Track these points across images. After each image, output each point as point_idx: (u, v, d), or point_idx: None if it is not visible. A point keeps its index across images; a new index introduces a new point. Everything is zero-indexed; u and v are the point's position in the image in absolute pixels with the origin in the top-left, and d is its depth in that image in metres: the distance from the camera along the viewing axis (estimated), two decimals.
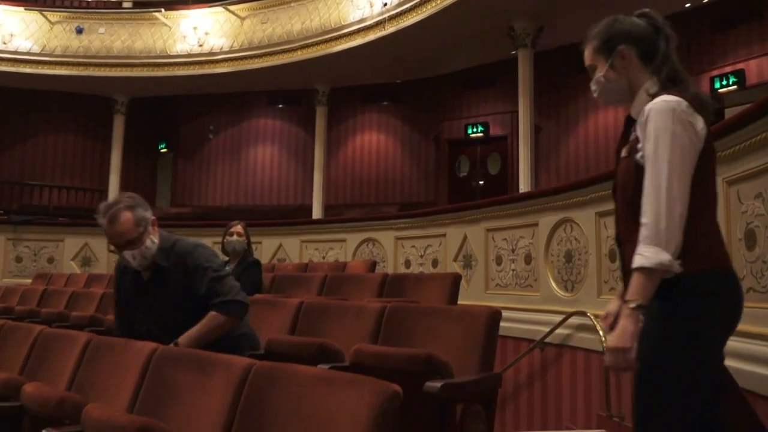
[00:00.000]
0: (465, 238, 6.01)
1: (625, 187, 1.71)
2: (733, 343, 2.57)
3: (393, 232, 7.00)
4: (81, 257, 8.81)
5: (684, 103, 1.61)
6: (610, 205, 4.19)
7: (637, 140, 1.67)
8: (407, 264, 6.63)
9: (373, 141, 13.48)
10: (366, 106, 13.33)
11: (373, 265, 5.43)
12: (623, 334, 1.55)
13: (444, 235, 6.35)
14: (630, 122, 1.76)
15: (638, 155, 1.65)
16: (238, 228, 4.33)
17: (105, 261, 8.73)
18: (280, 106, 13.65)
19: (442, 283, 3.31)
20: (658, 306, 1.59)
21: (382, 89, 12.98)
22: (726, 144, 2.96)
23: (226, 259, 4.45)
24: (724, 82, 8.98)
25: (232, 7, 10.33)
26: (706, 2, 9.12)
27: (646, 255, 1.56)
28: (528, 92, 8.75)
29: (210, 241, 8.46)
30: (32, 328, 2.67)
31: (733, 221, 2.86)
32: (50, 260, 8.83)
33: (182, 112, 13.83)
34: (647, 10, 1.81)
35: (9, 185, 12.25)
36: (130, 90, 11.27)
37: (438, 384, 1.90)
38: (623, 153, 1.74)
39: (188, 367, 1.97)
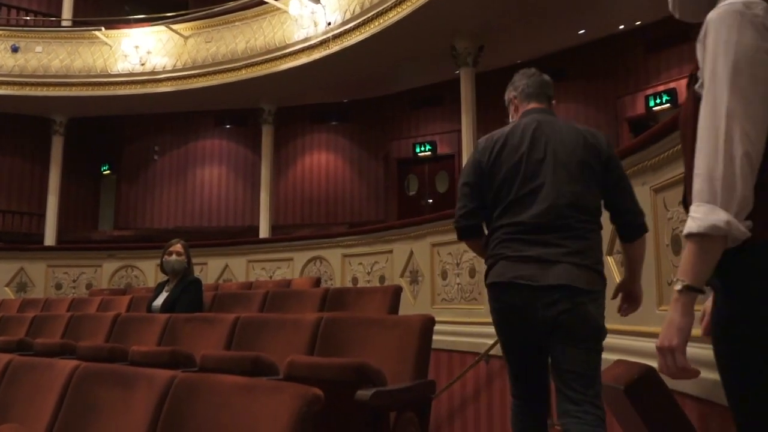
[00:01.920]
0: (411, 253, 6.03)
1: (684, 123, 1.35)
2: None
3: (340, 249, 6.97)
4: (16, 283, 8.45)
5: (760, 4, 1.19)
6: None
7: (696, 66, 1.28)
8: (354, 281, 6.60)
9: (322, 161, 13.46)
10: (314, 125, 13.32)
11: (318, 282, 5.38)
12: (669, 329, 1.22)
13: (391, 252, 6.35)
14: None
15: (697, 84, 1.27)
16: (178, 247, 4.23)
17: (42, 286, 8.41)
18: (228, 126, 13.52)
19: (382, 296, 3.30)
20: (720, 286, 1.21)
21: (329, 108, 13.00)
22: (651, 153, 3.18)
23: (165, 279, 4.35)
24: (658, 101, 9.47)
25: (175, 26, 10.22)
26: (639, 25, 9.51)
27: (696, 216, 1.18)
28: (471, 110, 8.92)
29: (152, 264, 8.27)
30: None
31: (660, 229, 2.97)
32: None
33: (125, 132, 13.54)
34: None
35: None
36: (69, 110, 10.97)
37: (369, 392, 1.89)
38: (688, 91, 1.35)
39: (110, 383, 1.90)
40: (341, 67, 9.59)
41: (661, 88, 9.50)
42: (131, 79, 10.02)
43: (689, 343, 1.23)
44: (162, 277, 4.57)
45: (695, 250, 1.18)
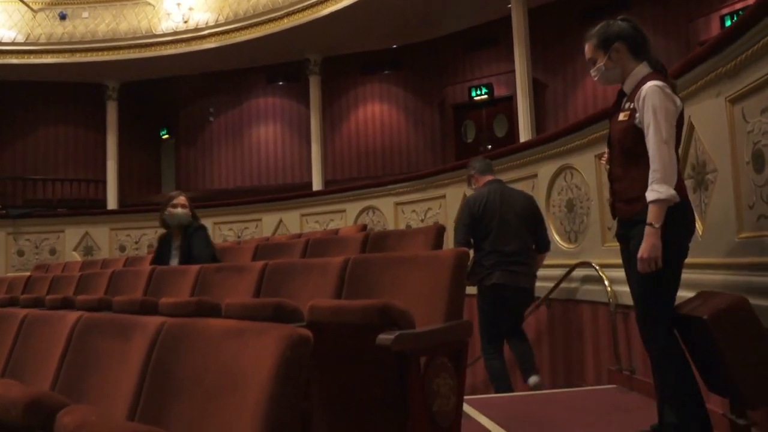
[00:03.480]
0: (464, 197, 5.73)
1: (623, 140, 2.35)
2: (747, 278, 2.32)
3: (392, 197, 6.75)
4: (83, 247, 8.69)
5: (667, 87, 2.28)
6: None
7: (635, 110, 2.29)
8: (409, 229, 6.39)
9: (376, 112, 13.16)
10: (366, 76, 12.99)
11: (364, 228, 5.18)
12: (653, 248, 2.20)
13: (444, 197, 6.08)
14: (622, 95, 2.44)
15: (636, 121, 2.28)
16: (182, 199, 4.05)
17: (107, 248, 8.62)
18: (280, 83, 13.37)
19: (425, 237, 3.06)
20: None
21: (380, 57, 12.61)
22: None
23: (163, 234, 4.22)
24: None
25: None
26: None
27: (660, 191, 2.19)
28: (524, 43, 8.38)
29: (209, 222, 8.30)
30: None
31: (738, 144, 2.56)
32: (52, 252, 8.73)
33: (180, 95, 13.62)
34: (627, 16, 2.50)
35: (12, 181, 12.19)
36: (119, 74, 11.06)
37: (392, 336, 1.65)
38: (621, 117, 2.37)
39: (110, 333, 1.75)
40: (386, 6, 9.15)
41: (739, 5, 8.63)
42: (176, 38, 9.94)
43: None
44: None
45: (658, 208, 2.20)
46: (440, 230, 3.13)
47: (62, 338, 1.89)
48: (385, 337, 1.67)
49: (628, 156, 2.32)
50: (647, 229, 2.19)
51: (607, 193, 4.00)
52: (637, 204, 2.28)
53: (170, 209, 4.03)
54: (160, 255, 4.07)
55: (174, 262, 3.92)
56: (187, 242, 3.87)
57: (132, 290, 3.48)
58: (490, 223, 3.88)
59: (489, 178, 4.15)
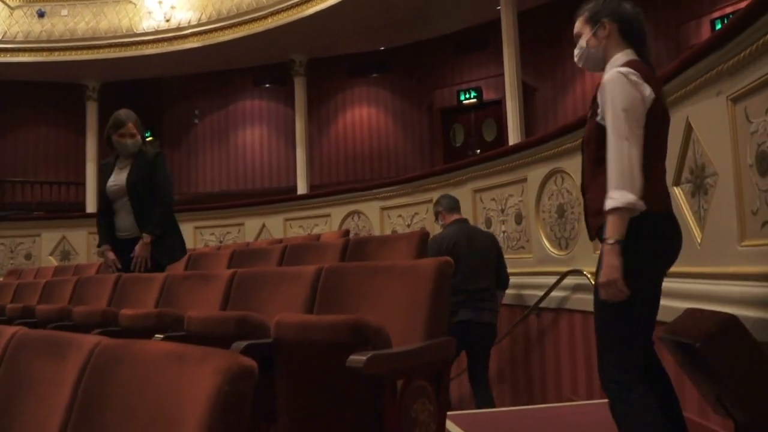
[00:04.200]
0: None
1: (588, 143, 2.02)
2: (750, 289, 2.17)
3: (378, 202, 6.56)
4: (59, 251, 8.42)
5: (633, 73, 1.89)
6: None
7: (597, 105, 1.96)
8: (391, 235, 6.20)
9: (364, 115, 12.98)
10: (353, 79, 12.82)
11: (346, 234, 4.99)
12: (610, 269, 1.80)
13: (431, 201, 5.89)
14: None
15: (599, 118, 1.94)
16: (130, 128, 3.68)
17: (84, 253, 8.36)
18: (267, 85, 13.16)
19: (407, 243, 2.87)
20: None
21: (367, 59, 12.44)
22: (726, 55, 2.58)
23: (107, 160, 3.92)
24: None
25: None
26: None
27: (615, 197, 1.80)
28: (513, 46, 8.24)
29: (190, 227, 8.08)
30: None
31: (741, 146, 2.40)
32: (28, 256, 8.46)
33: (164, 97, 13.36)
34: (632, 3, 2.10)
35: None
36: (100, 74, 10.80)
37: (364, 357, 1.46)
38: (589, 114, 2.06)
39: (45, 353, 1.55)
40: (372, 7, 8.97)
41: (729, 9, 8.55)
42: (157, 37, 9.71)
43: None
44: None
45: (617, 218, 1.80)
46: (424, 236, 2.95)
47: None
48: (357, 359, 1.48)
49: (595, 161, 1.95)
50: (604, 247, 1.82)
51: None
52: (600, 217, 1.88)
53: (118, 138, 3.73)
54: (106, 176, 3.78)
55: (118, 180, 3.67)
56: (148, 171, 3.62)
57: (96, 299, 3.28)
58: (458, 263, 3.94)
59: (456, 216, 4.34)
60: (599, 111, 1.93)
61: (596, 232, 1.98)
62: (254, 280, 2.41)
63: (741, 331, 2.04)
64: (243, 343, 1.79)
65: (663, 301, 3.01)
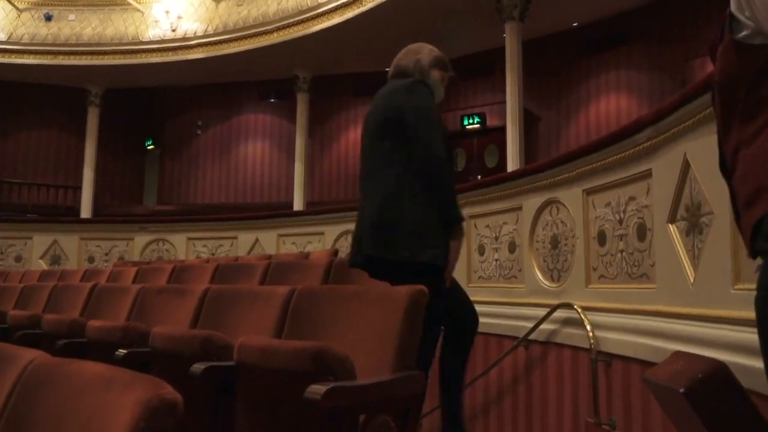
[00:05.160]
0: None
1: (729, 87, 1.15)
2: (741, 334, 2.09)
3: None
4: (50, 255, 8.35)
5: None
6: (598, 181, 3.65)
7: (733, 18, 1.12)
8: None
9: None
10: (359, 98, 12.82)
11: (336, 254, 4.91)
12: None
13: None
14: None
15: (742, 33, 1.09)
16: None
17: (75, 259, 8.28)
18: (272, 100, 13.17)
19: None
20: None
21: (373, 79, 12.41)
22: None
23: None
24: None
25: None
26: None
27: None
28: (516, 74, 8.22)
29: (183, 237, 8.00)
30: None
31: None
32: (18, 258, 8.39)
33: (168, 106, 13.38)
34: None
35: None
36: (103, 80, 10.82)
37: (323, 388, 1.37)
38: (722, 41, 1.18)
39: None
40: (378, 28, 8.99)
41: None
42: (162, 46, 9.73)
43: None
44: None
45: None
46: None
47: None
48: (316, 389, 1.39)
49: (745, 113, 1.13)
50: None
51: (594, 230, 3.78)
52: (759, 205, 1.09)
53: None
54: None
55: None
56: None
57: (71, 308, 3.19)
58: None
59: None
60: (744, 18, 1.09)
61: (754, 233, 1.12)
62: (228, 298, 2.32)
63: (729, 379, 1.94)
64: (203, 365, 1.69)
65: (652, 341, 2.93)
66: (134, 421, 0.82)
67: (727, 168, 1.23)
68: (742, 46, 1.08)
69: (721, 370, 1.94)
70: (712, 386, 1.90)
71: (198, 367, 1.68)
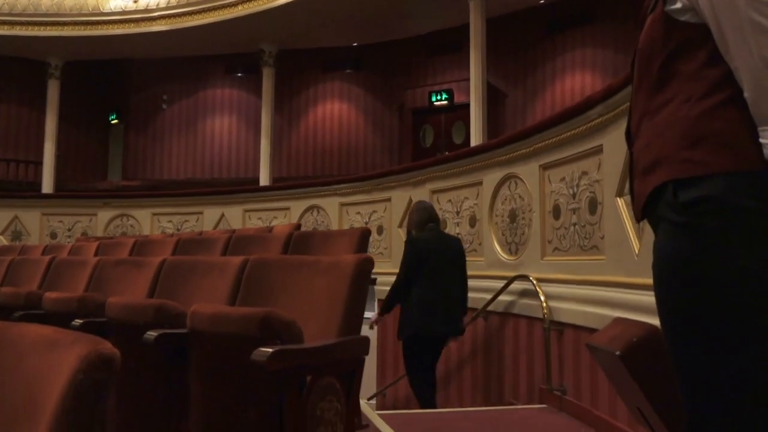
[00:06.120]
0: (410, 201, 5.55)
1: (645, 54, 1.19)
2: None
3: (338, 198, 6.52)
4: (10, 231, 8.20)
5: None
6: (555, 156, 3.75)
7: None
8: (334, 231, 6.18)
9: (335, 111, 12.92)
10: (327, 73, 12.75)
11: (298, 228, 4.95)
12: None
13: (389, 200, 5.88)
14: None
15: (674, 6, 1.11)
16: None
17: (37, 234, 8.15)
18: (239, 74, 13.00)
19: (349, 240, 2.85)
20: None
21: (341, 55, 12.37)
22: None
23: None
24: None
25: None
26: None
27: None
28: (480, 50, 8.28)
29: (147, 213, 7.95)
30: None
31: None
32: None
33: (132, 80, 13.11)
34: None
35: None
36: (63, 52, 10.53)
37: (268, 351, 1.43)
38: (649, 7, 1.21)
39: None
40: (345, 2, 8.91)
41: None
42: (124, 17, 9.51)
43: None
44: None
45: None
46: (365, 233, 2.93)
47: None
48: (261, 352, 1.45)
49: (655, 83, 1.18)
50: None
51: (549, 204, 3.88)
52: (655, 174, 1.13)
53: None
54: None
55: None
56: None
57: (28, 280, 3.18)
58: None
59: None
60: None
61: (647, 203, 1.15)
62: (184, 268, 2.35)
63: (663, 342, 2.05)
64: (156, 333, 1.74)
65: (600, 310, 3.05)
66: (73, 373, 0.87)
67: (630, 135, 1.23)
68: (671, 19, 1.12)
69: (655, 334, 2.05)
70: (646, 349, 2.01)
71: (151, 334, 1.72)
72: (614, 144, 3.11)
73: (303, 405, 1.49)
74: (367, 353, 1.63)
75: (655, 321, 2.27)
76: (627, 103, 2.95)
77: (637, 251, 2.78)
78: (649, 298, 2.65)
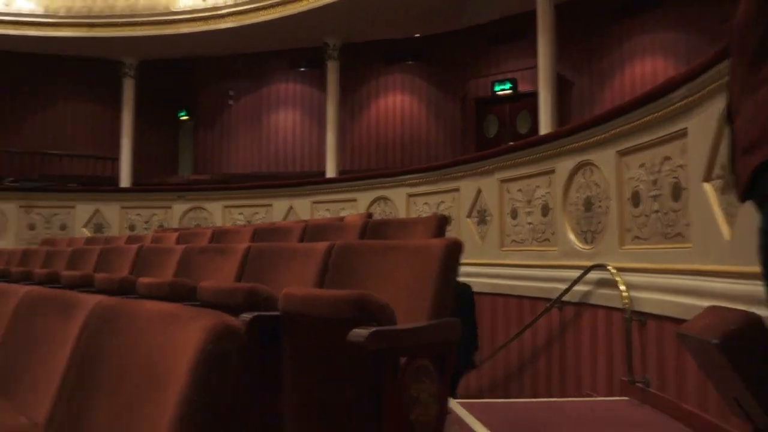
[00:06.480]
0: (479, 191, 5.51)
1: (745, 29, 1.14)
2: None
3: (405, 188, 6.53)
4: (93, 223, 8.61)
5: None
6: (632, 142, 3.63)
7: None
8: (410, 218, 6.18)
9: (397, 103, 12.93)
10: (388, 66, 12.77)
11: (370, 217, 4.99)
12: None
13: (457, 190, 5.85)
14: None
15: None
16: None
17: (117, 227, 8.53)
18: (302, 69, 13.18)
19: (424, 227, 2.85)
20: None
21: (403, 45, 12.36)
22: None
23: None
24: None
25: None
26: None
27: None
28: (548, 38, 8.10)
29: (219, 205, 8.18)
30: None
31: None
32: (63, 227, 8.66)
33: (200, 77, 13.50)
34: None
35: (30, 155, 12.20)
36: (137, 51, 10.96)
37: (366, 332, 1.45)
38: None
39: (54, 311, 1.58)
40: None
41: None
42: (193, 16, 9.79)
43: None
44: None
45: None
46: (441, 220, 2.92)
47: (7, 315, 1.71)
48: (359, 333, 1.47)
49: (754, 59, 1.13)
50: None
51: (628, 191, 3.77)
52: (757, 153, 1.10)
53: None
54: None
55: None
56: None
57: (119, 268, 3.33)
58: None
59: None
60: None
61: (749, 181, 1.12)
62: (269, 254, 2.41)
63: (763, 330, 1.96)
64: (250, 315, 1.79)
65: (686, 300, 2.94)
66: (203, 343, 0.90)
67: (731, 113, 1.17)
68: None
69: (754, 321, 1.97)
70: (746, 337, 1.93)
71: (246, 316, 1.77)
72: (700, 127, 2.99)
73: (401, 386, 1.50)
74: (459, 336, 1.63)
75: (751, 309, 2.18)
76: (712, 85, 2.84)
77: (728, 238, 2.67)
78: (741, 287, 2.55)
